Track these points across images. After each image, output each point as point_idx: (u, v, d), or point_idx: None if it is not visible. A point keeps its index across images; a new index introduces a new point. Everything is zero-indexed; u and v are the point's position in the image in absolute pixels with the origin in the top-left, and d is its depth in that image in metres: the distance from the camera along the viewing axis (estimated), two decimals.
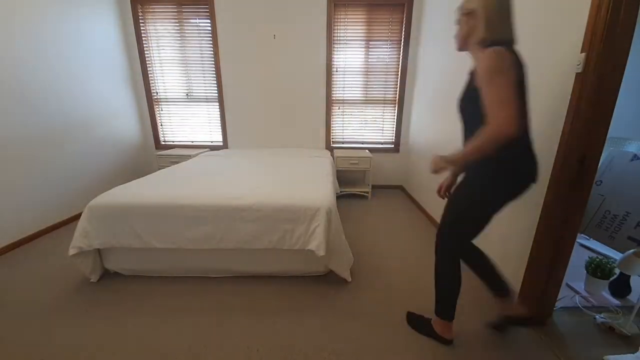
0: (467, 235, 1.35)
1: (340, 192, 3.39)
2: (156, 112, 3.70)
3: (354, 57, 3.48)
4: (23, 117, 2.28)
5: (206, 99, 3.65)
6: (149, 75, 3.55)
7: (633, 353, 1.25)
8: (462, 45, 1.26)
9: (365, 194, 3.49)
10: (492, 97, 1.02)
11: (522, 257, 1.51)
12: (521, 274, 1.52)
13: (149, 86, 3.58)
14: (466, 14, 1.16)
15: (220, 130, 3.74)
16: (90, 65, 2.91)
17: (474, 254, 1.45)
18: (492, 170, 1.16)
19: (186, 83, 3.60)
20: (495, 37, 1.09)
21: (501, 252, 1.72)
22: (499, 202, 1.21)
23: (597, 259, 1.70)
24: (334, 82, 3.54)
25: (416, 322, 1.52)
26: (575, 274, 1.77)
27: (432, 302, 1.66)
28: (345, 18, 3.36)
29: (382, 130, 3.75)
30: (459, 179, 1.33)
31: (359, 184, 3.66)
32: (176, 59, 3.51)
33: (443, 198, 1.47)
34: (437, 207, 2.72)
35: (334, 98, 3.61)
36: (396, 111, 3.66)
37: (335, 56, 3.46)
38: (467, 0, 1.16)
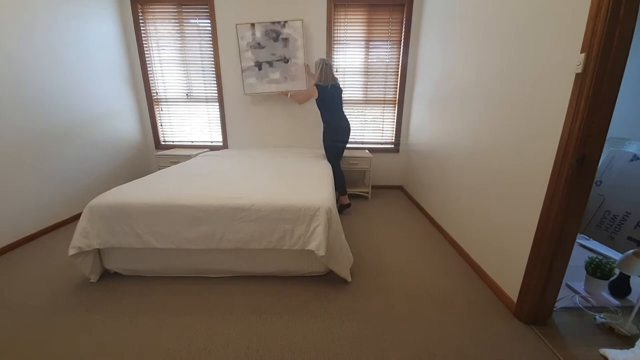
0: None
1: None
2: (156, 112, 3.70)
3: (354, 57, 3.48)
4: (23, 117, 2.28)
5: (206, 99, 3.65)
6: (149, 76, 3.55)
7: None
8: (313, 81, 2.88)
9: (365, 194, 3.49)
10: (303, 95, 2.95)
11: (522, 257, 1.51)
12: (521, 274, 1.52)
13: (149, 86, 3.58)
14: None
15: (220, 130, 3.74)
16: (90, 66, 2.91)
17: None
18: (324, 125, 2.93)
19: (186, 83, 3.60)
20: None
21: (501, 252, 1.72)
22: (332, 141, 2.93)
23: (597, 259, 1.70)
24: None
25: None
26: (575, 274, 1.77)
27: (431, 302, 1.67)
28: (345, 18, 3.36)
29: (382, 130, 3.75)
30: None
31: (359, 184, 3.66)
32: (176, 59, 3.51)
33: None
34: (436, 208, 2.72)
35: None
36: (396, 111, 3.66)
37: (335, 56, 3.46)
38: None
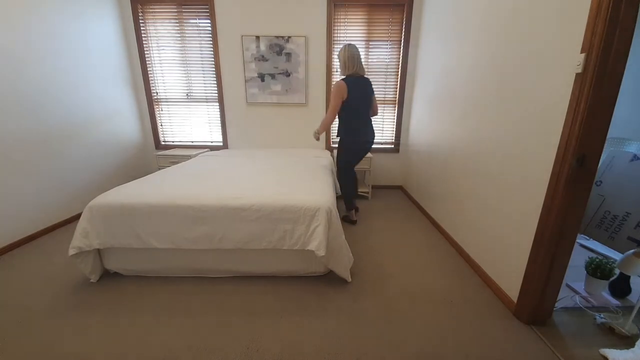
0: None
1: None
2: (156, 113, 3.70)
3: None
4: (23, 116, 2.28)
5: (206, 99, 3.65)
6: (149, 76, 3.55)
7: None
8: (341, 74, 2.29)
9: (365, 194, 3.49)
10: (329, 107, 2.26)
11: (522, 257, 1.51)
12: (521, 274, 1.52)
13: (149, 86, 3.58)
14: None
15: (220, 130, 3.74)
16: (90, 66, 2.91)
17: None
18: (340, 136, 2.41)
19: (186, 83, 3.60)
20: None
21: (501, 252, 1.72)
22: (348, 153, 2.46)
23: (597, 259, 1.70)
24: (334, 82, 3.53)
25: (343, 217, 2.64)
26: (575, 274, 1.77)
27: (431, 302, 1.67)
28: (345, 18, 3.36)
29: (382, 130, 3.75)
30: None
31: (359, 184, 3.65)
32: (176, 59, 3.51)
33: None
34: (436, 208, 2.72)
35: None
36: (396, 111, 3.66)
37: (335, 56, 3.46)
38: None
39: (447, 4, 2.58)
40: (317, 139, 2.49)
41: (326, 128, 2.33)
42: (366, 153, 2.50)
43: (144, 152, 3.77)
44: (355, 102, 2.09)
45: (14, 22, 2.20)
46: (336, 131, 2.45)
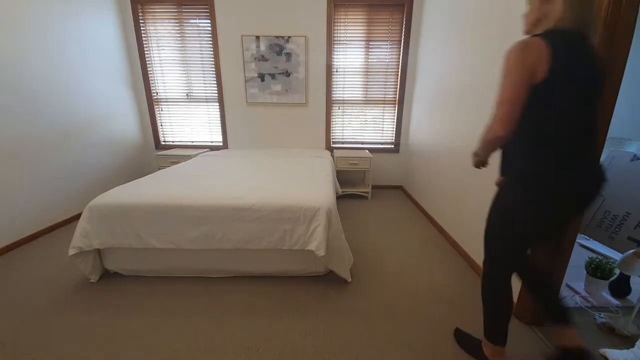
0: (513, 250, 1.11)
1: (342, 192, 3.39)
2: (156, 113, 3.70)
3: (354, 57, 3.48)
4: (23, 116, 2.28)
5: (206, 99, 3.65)
6: (149, 76, 3.55)
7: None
8: (529, 30, 1.06)
9: (365, 194, 3.49)
10: (498, 94, 0.98)
11: None
12: None
13: (149, 86, 3.58)
14: None
15: (220, 130, 3.74)
16: (91, 66, 2.91)
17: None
18: (515, 180, 1.05)
19: (186, 83, 3.60)
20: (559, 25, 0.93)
21: None
22: (529, 222, 1.02)
23: (597, 259, 1.70)
24: (334, 83, 3.54)
25: (465, 341, 1.35)
26: (575, 274, 1.77)
27: (431, 302, 1.67)
28: (345, 18, 3.36)
29: (382, 130, 3.75)
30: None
31: (359, 184, 3.66)
32: (176, 59, 3.51)
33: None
34: (437, 208, 2.72)
35: (334, 98, 3.61)
36: (396, 111, 3.66)
37: (335, 56, 3.46)
38: None
39: (447, 4, 2.58)
40: (480, 162, 1.25)
41: (497, 135, 0.97)
42: (568, 218, 1.13)
43: (144, 152, 3.77)
44: (566, 89, 0.92)
45: (13, 22, 2.20)
46: (500, 162, 1.20)
